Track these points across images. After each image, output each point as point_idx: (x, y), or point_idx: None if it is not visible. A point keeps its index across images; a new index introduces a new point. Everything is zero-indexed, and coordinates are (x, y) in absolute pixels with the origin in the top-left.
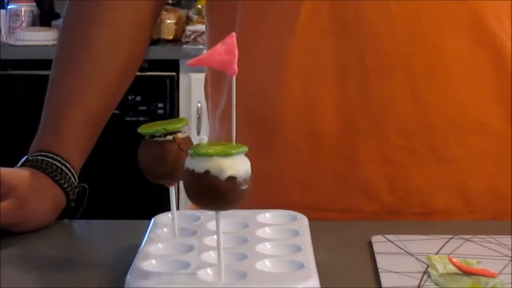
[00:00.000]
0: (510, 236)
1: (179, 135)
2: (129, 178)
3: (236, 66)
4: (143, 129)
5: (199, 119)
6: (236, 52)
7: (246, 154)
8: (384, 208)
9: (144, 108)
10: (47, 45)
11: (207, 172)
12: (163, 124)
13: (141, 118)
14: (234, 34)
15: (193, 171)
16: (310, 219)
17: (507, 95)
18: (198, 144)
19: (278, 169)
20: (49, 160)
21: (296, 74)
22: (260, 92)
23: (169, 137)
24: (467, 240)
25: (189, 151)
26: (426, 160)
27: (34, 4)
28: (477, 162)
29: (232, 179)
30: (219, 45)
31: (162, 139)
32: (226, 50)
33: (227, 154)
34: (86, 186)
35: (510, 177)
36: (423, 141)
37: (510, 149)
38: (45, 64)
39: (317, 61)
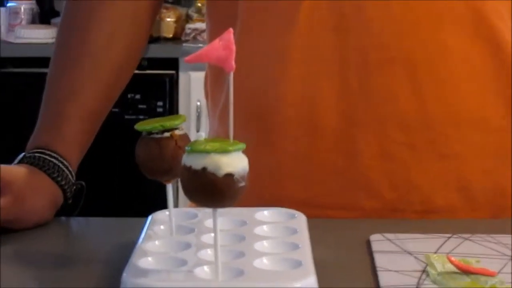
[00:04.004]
0: (510, 235)
1: (177, 132)
2: (127, 175)
3: (233, 62)
4: (141, 126)
5: (198, 117)
6: (234, 48)
7: (245, 151)
8: (385, 205)
9: (144, 106)
10: (46, 43)
11: (204, 169)
12: (161, 121)
13: (141, 116)
14: (231, 30)
15: (190, 168)
16: (310, 216)
17: (508, 90)
18: (195, 141)
19: (277, 165)
20: (47, 157)
21: (296, 68)
22: (260, 87)
23: (167, 134)
24: (466, 239)
25: (186, 148)
26: (426, 156)
27: (34, 1)
28: (478, 158)
29: (229, 176)
30: (217, 41)
31: (159, 136)
32: (224, 46)
33: (225, 151)
34: (84, 184)
35: (510, 173)
36: (423, 137)
37: (510, 145)
38: (45, 61)
39: (317, 56)
